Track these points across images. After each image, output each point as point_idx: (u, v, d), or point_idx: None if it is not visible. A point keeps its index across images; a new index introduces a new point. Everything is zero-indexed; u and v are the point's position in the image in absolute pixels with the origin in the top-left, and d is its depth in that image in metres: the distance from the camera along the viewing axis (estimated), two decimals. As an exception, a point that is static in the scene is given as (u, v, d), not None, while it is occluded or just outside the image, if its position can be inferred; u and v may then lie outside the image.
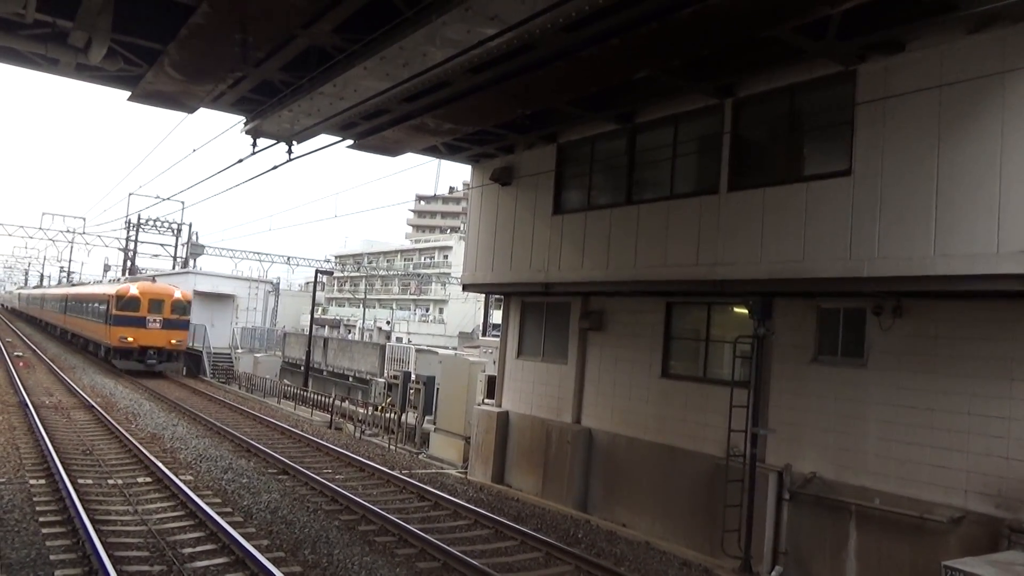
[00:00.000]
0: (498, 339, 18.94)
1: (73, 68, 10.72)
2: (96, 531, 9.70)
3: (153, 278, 39.18)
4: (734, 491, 10.84)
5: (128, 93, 12.18)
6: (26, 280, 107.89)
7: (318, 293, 54.72)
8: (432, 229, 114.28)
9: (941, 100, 8.77)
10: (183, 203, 52.85)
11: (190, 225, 58.36)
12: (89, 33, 9.59)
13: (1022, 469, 8.45)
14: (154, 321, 33.14)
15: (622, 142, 13.53)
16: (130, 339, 32.59)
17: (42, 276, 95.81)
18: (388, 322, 72.48)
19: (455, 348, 38.57)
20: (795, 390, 10.86)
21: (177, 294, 34.44)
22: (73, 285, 59.40)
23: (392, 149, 14.75)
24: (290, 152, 12.87)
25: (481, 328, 47.78)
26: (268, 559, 9.13)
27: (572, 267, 14.02)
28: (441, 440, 19.25)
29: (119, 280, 43.25)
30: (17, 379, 26.16)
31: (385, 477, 15.12)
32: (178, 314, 33.99)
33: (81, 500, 11.12)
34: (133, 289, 33.97)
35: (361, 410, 24.61)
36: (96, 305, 37.38)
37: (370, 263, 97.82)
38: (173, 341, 33.59)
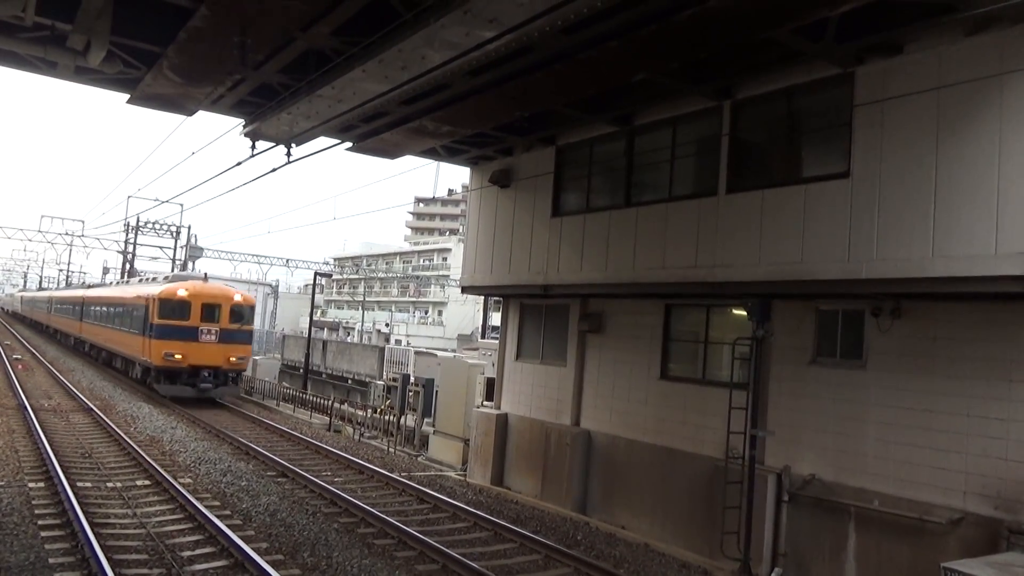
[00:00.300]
0: (497, 341, 18.93)
1: (72, 71, 10.73)
2: (95, 534, 9.70)
3: (205, 276, 29.69)
4: (733, 493, 10.84)
5: (127, 96, 12.21)
6: (25, 282, 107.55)
7: (317, 295, 54.71)
8: (431, 231, 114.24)
9: (939, 102, 8.78)
10: (182, 205, 52.74)
11: (189, 227, 58.49)
12: (88, 36, 9.59)
13: (1021, 470, 8.46)
14: (208, 333, 25.52)
15: (621, 144, 13.54)
16: (177, 356, 24.95)
17: (41, 278, 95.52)
18: (387, 324, 72.44)
19: (454, 350, 38.59)
20: (794, 392, 10.86)
21: (237, 297, 26.99)
22: (90, 286, 47.74)
23: (391, 151, 14.77)
24: (289, 154, 12.91)
25: (480, 330, 47.82)
26: (267, 562, 9.13)
27: (571, 269, 14.03)
28: (440, 442, 19.26)
29: (155, 279, 32.71)
30: (16, 382, 26.10)
31: (384, 479, 15.12)
32: (239, 323, 26.45)
33: (80, 503, 11.11)
34: (181, 291, 25.93)
35: (360, 413, 24.58)
36: (129, 311, 29.09)
37: (369, 265, 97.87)
38: (233, 359, 26.01)
